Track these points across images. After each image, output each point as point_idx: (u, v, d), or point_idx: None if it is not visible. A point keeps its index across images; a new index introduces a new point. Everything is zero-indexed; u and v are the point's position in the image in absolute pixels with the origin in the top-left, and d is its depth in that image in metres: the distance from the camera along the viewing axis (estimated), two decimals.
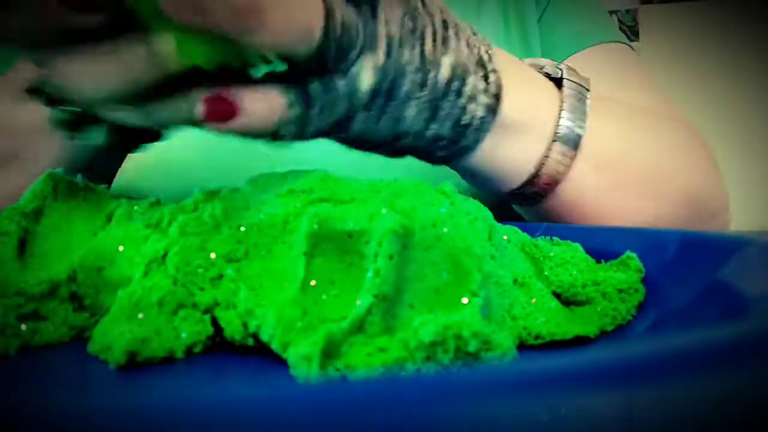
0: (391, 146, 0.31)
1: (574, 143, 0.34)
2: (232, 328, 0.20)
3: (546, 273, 0.25)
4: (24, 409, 0.08)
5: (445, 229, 0.20)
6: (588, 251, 0.27)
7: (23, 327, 0.21)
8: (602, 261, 0.27)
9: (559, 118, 0.34)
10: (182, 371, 0.19)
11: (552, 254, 0.26)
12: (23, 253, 0.23)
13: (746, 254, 0.21)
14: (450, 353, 0.16)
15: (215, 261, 0.21)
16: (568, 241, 0.27)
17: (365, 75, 0.26)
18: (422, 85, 0.29)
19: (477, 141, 0.32)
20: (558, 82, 0.36)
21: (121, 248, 0.22)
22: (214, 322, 0.20)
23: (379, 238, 0.19)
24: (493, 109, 0.32)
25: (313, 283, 0.19)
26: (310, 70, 0.24)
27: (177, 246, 0.21)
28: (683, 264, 0.24)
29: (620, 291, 0.23)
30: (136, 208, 0.24)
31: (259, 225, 0.21)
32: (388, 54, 0.27)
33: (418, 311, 0.19)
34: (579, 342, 0.21)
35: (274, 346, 0.18)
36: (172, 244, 0.21)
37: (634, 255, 0.25)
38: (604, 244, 0.27)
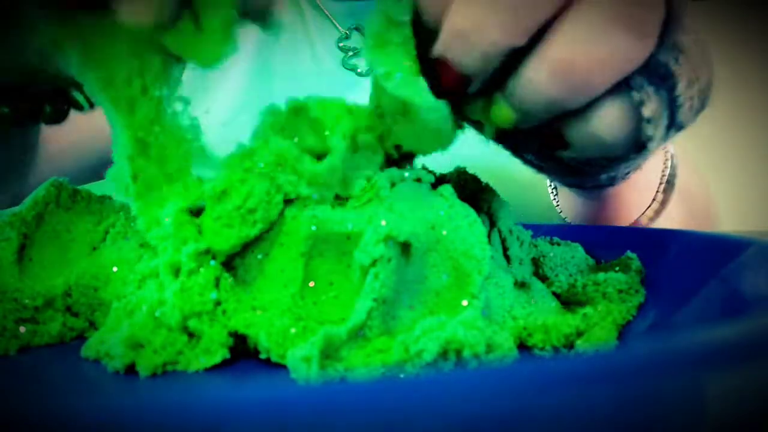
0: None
1: (672, 187, 0.34)
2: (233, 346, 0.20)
3: (546, 273, 0.25)
4: (24, 409, 0.08)
5: (444, 232, 0.20)
6: (588, 251, 0.27)
7: (22, 329, 0.21)
8: (602, 261, 0.26)
9: (666, 161, 0.34)
10: (181, 371, 0.19)
11: (552, 254, 0.26)
12: (22, 257, 0.23)
13: (746, 255, 0.21)
14: (450, 363, 0.16)
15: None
16: (568, 241, 0.27)
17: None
18: None
19: (646, 160, 0.27)
20: None
21: (115, 269, 0.22)
22: None
23: (377, 241, 0.19)
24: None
25: (311, 284, 0.19)
26: None
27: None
28: (683, 264, 0.24)
29: (620, 291, 0.23)
30: (132, 224, 0.24)
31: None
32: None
33: (419, 312, 0.19)
34: None
35: (274, 359, 0.18)
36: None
37: (634, 255, 0.25)
38: (604, 244, 0.27)
